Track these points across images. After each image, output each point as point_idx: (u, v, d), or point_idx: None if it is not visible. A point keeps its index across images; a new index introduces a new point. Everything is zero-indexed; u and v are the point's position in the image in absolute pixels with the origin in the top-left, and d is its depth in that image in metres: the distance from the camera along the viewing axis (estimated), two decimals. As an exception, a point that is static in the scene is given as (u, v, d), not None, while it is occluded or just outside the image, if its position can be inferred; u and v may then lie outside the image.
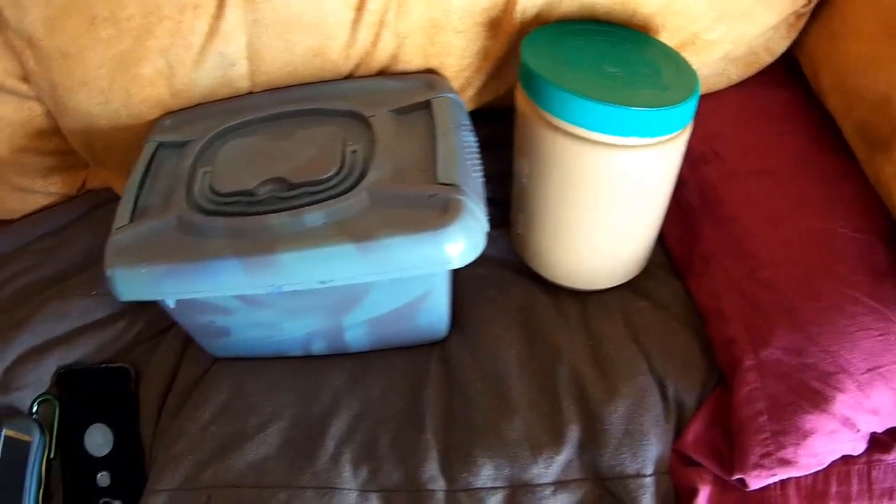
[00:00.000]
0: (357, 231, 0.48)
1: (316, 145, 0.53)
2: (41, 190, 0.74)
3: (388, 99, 0.57)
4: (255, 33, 0.58)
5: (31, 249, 0.72)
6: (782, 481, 0.52)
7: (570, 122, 0.51)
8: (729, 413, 0.53)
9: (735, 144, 0.62)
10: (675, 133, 0.52)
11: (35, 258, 0.71)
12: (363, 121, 0.55)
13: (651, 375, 0.55)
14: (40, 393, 0.65)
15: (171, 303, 0.53)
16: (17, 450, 0.62)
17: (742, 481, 0.51)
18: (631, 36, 0.57)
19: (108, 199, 0.74)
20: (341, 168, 0.52)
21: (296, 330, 0.57)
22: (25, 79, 0.65)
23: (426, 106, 0.56)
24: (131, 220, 0.54)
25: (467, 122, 0.55)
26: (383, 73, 0.62)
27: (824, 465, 0.51)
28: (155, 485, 0.57)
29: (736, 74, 0.64)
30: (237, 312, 0.55)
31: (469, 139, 0.53)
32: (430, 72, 0.61)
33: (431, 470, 0.53)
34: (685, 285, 0.60)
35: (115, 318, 0.66)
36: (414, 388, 0.57)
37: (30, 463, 0.61)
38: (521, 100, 0.55)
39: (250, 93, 0.63)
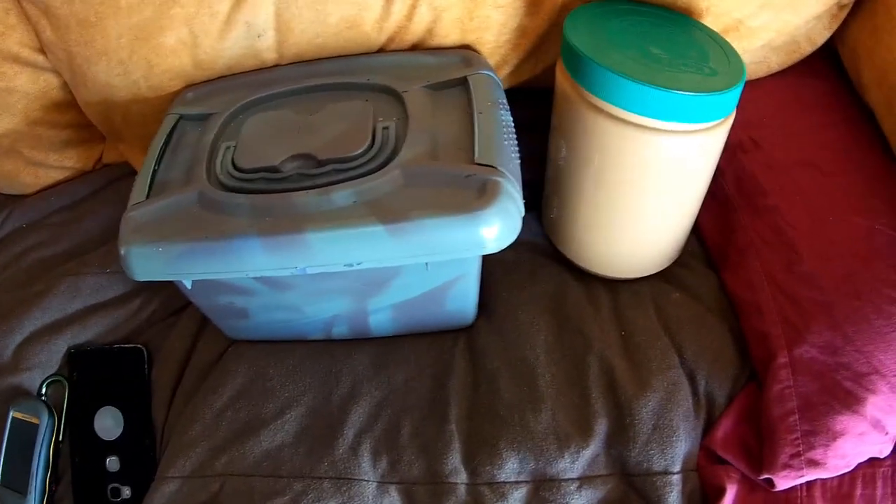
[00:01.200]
0: (388, 211, 0.44)
1: (346, 120, 0.49)
2: (56, 164, 0.70)
3: (422, 74, 0.53)
4: (284, 3, 0.54)
5: (46, 223, 0.68)
6: (808, 483, 0.49)
7: (612, 104, 0.47)
8: (760, 410, 0.50)
9: (775, 134, 0.58)
10: (720, 120, 0.48)
11: (50, 232, 0.67)
12: (396, 96, 0.51)
13: (682, 369, 0.52)
14: (50, 374, 0.61)
15: (187, 283, 0.50)
16: (25, 432, 0.58)
17: (769, 481, 0.48)
18: (675, 18, 0.53)
19: (126, 174, 0.70)
20: (372, 144, 0.48)
21: (318, 313, 0.53)
22: (41, 50, 0.61)
23: (462, 82, 0.52)
24: (148, 196, 0.50)
25: (504, 101, 0.51)
26: (417, 47, 0.58)
27: (851, 468, 0.48)
28: (166, 471, 0.53)
29: (776, 63, 0.61)
30: (257, 294, 0.51)
31: (507, 118, 0.49)
32: (466, 47, 0.57)
33: (454, 462, 0.50)
34: (719, 277, 0.57)
35: (130, 296, 0.63)
36: (438, 375, 0.54)
37: (37, 446, 0.58)
38: (562, 79, 0.51)
39: (277, 65, 0.59)
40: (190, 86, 0.59)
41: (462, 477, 0.50)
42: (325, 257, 0.44)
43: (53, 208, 0.70)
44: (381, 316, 0.53)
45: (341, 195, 0.45)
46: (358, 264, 0.45)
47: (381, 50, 0.58)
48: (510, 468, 0.50)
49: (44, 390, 0.60)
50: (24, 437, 0.59)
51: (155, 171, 0.52)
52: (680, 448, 0.50)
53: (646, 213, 0.53)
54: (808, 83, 0.62)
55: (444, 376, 0.53)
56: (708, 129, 0.48)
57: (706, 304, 0.55)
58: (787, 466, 0.47)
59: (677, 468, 0.49)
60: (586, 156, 0.51)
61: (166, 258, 0.47)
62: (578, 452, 0.50)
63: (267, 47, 0.57)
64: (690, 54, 0.49)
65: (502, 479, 0.49)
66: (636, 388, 0.51)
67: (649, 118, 0.47)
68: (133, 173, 0.70)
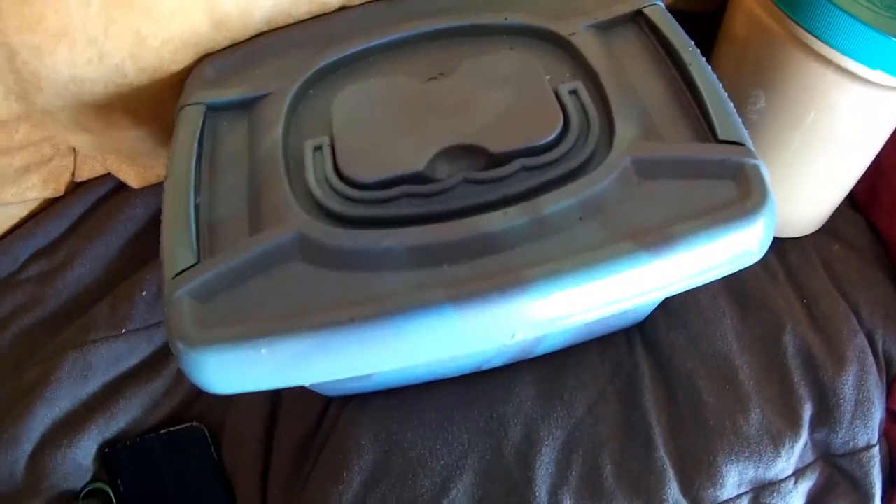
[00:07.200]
0: (639, 228, 0.24)
1: (503, 84, 0.27)
2: (14, 200, 0.40)
3: (575, 7, 0.30)
4: None
5: (18, 280, 0.40)
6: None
7: (854, 59, 0.30)
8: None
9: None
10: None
11: (29, 291, 0.39)
12: (560, 43, 0.29)
13: (863, 332, 0.39)
14: (85, 483, 0.36)
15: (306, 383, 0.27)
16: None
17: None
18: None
19: (114, 190, 0.41)
20: (567, 121, 0.26)
21: (473, 356, 0.33)
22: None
23: (635, 18, 0.30)
24: (199, 255, 0.25)
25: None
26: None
27: None
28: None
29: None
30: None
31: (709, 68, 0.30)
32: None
33: (673, 495, 0.34)
34: (867, 219, 0.43)
35: (160, 360, 0.38)
36: (625, 391, 0.36)
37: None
38: (771, 21, 0.31)
39: (343, 7, 0.32)
40: (206, 57, 0.31)
41: (684, 509, 0.35)
42: (555, 311, 0.24)
43: (23, 258, 0.40)
44: (554, 340, 0.34)
45: (558, 210, 0.24)
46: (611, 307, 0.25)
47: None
48: (731, 483, 0.35)
49: (81, 506, 0.36)
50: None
51: (197, 209, 0.27)
52: (876, 417, 0.37)
53: (845, 169, 0.36)
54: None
55: (633, 391, 0.36)
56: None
57: (863, 252, 0.41)
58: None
59: (876, 439, 0.37)
60: (799, 112, 0.32)
61: (277, 362, 0.23)
62: (792, 447, 0.35)
63: (334, -18, 0.30)
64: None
65: (725, 498, 0.35)
66: (834, 364, 0.37)
67: (889, 75, 0.30)
68: (122, 187, 0.42)
